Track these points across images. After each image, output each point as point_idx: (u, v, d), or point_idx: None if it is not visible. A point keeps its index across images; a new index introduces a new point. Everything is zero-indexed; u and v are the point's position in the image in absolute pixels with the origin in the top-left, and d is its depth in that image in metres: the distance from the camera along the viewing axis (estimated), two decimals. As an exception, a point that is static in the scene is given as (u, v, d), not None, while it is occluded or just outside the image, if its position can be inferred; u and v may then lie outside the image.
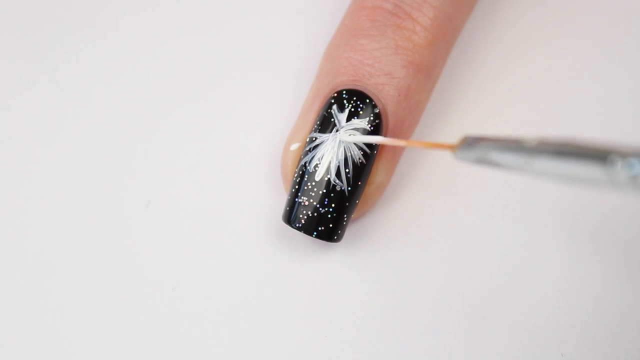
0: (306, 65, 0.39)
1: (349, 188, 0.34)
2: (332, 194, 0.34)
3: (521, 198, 0.37)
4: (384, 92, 0.35)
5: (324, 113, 0.35)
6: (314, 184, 0.34)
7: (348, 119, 0.34)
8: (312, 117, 0.35)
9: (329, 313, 0.36)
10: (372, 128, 0.34)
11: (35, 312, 0.36)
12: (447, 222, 0.37)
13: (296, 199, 0.34)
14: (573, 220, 0.37)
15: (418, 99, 0.36)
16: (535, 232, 0.37)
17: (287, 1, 0.41)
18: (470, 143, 0.28)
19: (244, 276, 0.36)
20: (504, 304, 0.36)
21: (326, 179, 0.34)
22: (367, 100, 0.34)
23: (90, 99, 0.39)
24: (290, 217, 0.34)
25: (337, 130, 0.34)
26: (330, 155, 0.34)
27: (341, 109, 0.35)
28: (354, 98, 0.35)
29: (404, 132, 0.36)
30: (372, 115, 0.34)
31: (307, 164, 0.34)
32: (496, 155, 0.27)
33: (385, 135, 0.35)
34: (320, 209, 0.34)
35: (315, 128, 0.35)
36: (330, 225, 0.34)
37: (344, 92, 0.35)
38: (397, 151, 0.36)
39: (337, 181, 0.34)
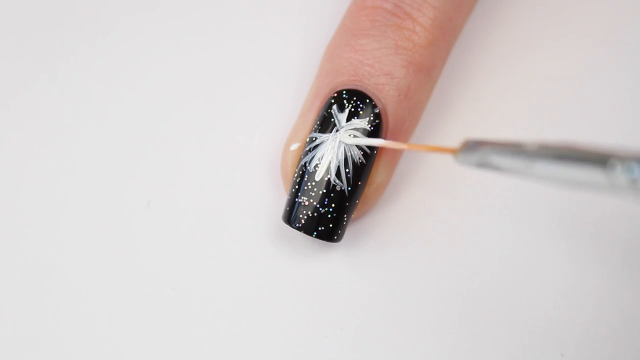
0: (306, 65, 0.39)
1: (349, 188, 0.34)
2: (332, 194, 0.34)
3: (521, 198, 0.37)
4: (384, 92, 0.35)
5: (324, 113, 0.35)
6: (314, 184, 0.34)
7: (348, 119, 0.34)
8: (312, 117, 0.35)
9: (329, 313, 0.36)
10: (372, 128, 0.34)
11: (35, 312, 0.36)
12: (447, 222, 0.37)
13: (296, 199, 0.34)
14: (573, 221, 0.37)
15: (418, 99, 0.36)
16: (535, 232, 0.37)
17: (287, 1, 0.41)
18: (471, 147, 0.28)
19: (244, 276, 0.36)
20: (504, 304, 0.36)
21: (326, 179, 0.34)
22: (367, 100, 0.34)
23: (90, 99, 0.39)
24: (290, 217, 0.34)
25: (337, 130, 0.34)
26: (330, 155, 0.34)
27: (341, 109, 0.35)
28: (354, 98, 0.35)
29: (404, 132, 0.36)
30: (372, 115, 0.34)
31: (307, 164, 0.34)
32: (497, 159, 0.27)
33: (385, 135, 0.35)
34: (320, 209, 0.34)
35: (315, 128, 0.35)
36: (330, 225, 0.34)
37: (344, 92, 0.35)
38: (397, 151, 0.36)
39: (337, 181, 0.34)
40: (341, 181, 0.34)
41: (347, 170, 0.34)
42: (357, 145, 0.34)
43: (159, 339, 0.35)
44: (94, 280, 0.36)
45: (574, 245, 0.37)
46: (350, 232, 0.37)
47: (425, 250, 0.37)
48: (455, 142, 0.38)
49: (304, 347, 0.35)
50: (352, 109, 0.34)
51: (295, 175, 0.35)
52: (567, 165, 0.25)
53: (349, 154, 0.34)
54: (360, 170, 0.34)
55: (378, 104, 0.35)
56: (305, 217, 0.34)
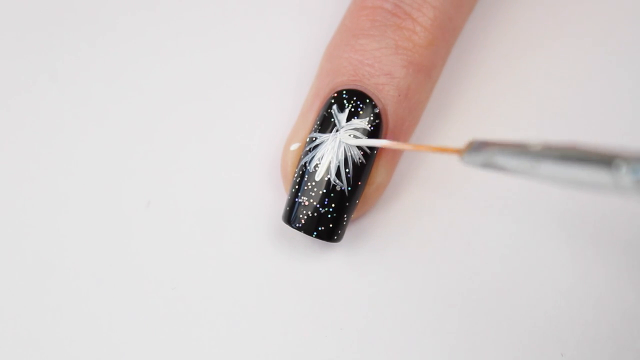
0: (306, 65, 0.39)
1: (349, 188, 0.34)
2: (332, 194, 0.34)
3: (521, 198, 0.37)
4: (384, 92, 0.35)
5: (324, 113, 0.35)
6: (314, 184, 0.34)
7: (348, 119, 0.34)
8: (312, 117, 0.35)
9: (328, 313, 0.36)
10: (372, 128, 0.34)
11: (35, 312, 0.36)
12: (447, 222, 0.37)
13: (296, 199, 0.34)
14: (573, 220, 0.37)
15: (418, 99, 0.36)
16: (535, 232, 0.37)
17: (288, 1, 0.41)
18: (476, 147, 0.28)
19: (244, 276, 0.36)
20: (504, 303, 0.36)
21: (326, 179, 0.34)
22: (367, 100, 0.34)
23: (90, 99, 0.39)
24: (290, 217, 0.34)
25: (337, 130, 0.34)
26: (330, 155, 0.34)
27: (341, 109, 0.35)
28: (354, 98, 0.35)
29: (404, 132, 0.36)
30: (372, 115, 0.34)
31: (307, 164, 0.34)
32: (502, 160, 0.27)
33: (385, 135, 0.35)
34: (320, 209, 0.34)
35: (315, 128, 0.35)
36: (330, 225, 0.34)
37: (344, 92, 0.35)
38: (397, 151, 0.36)
39: (337, 181, 0.34)
40: (341, 181, 0.34)
41: (347, 170, 0.34)
42: (357, 145, 0.34)
43: (159, 339, 0.35)
44: (94, 280, 0.36)
45: (574, 245, 0.37)
46: (350, 232, 0.37)
47: (425, 250, 0.37)
48: (455, 142, 0.38)
49: (304, 347, 0.35)
50: (352, 109, 0.34)
51: (295, 175, 0.35)
52: (572, 165, 0.25)
53: (349, 154, 0.34)
54: (360, 170, 0.34)
55: (378, 104, 0.35)
56: (305, 217, 0.34)
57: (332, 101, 0.35)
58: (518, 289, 0.36)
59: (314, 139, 0.35)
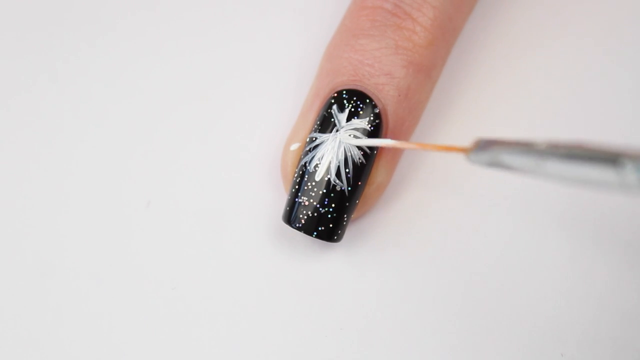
0: (306, 65, 0.39)
1: (349, 188, 0.34)
2: (332, 194, 0.34)
3: (521, 197, 0.37)
4: (384, 92, 0.35)
5: (324, 113, 0.35)
6: (314, 184, 0.34)
7: (348, 119, 0.34)
8: (312, 117, 0.35)
9: (328, 313, 0.36)
10: (372, 128, 0.34)
11: (35, 312, 0.36)
12: (447, 222, 0.37)
13: (296, 199, 0.34)
14: (573, 220, 0.37)
15: (418, 99, 0.36)
16: (536, 232, 0.37)
17: (288, 1, 0.41)
18: (482, 146, 0.28)
19: (244, 276, 0.36)
20: (504, 303, 0.36)
21: (326, 179, 0.34)
22: (367, 100, 0.34)
23: (90, 99, 0.39)
24: (290, 217, 0.34)
25: (337, 131, 0.34)
26: (331, 155, 0.34)
27: (341, 109, 0.35)
28: (354, 98, 0.35)
29: (404, 132, 0.36)
30: (372, 115, 0.34)
31: (307, 164, 0.34)
32: (508, 159, 0.27)
33: (385, 135, 0.35)
34: (320, 209, 0.34)
35: (315, 128, 0.35)
36: (330, 225, 0.34)
37: (344, 92, 0.35)
38: (397, 151, 0.36)
39: (337, 181, 0.34)
40: (341, 181, 0.34)
41: (347, 170, 0.34)
42: (357, 145, 0.34)
43: (159, 339, 0.35)
44: (94, 280, 0.36)
45: (574, 245, 0.37)
46: (350, 232, 0.37)
47: (425, 250, 0.37)
48: (455, 141, 0.38)
49: (304, 347, 0.35)
50: (352, 109, 0.34)
51: (295, 175, 0.35)
52: (577, 164, 0.25)
53: (349, 154, 0.34)
54: (361, 170, 0.34)
55: (378, 104, 0.35)
56: (305, 217, 0.34)
57: (332, 101, 0.35)
58: (518, 289, 0.36)
59: (314, 139, 0.35)
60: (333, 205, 0.34)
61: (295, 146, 0.35)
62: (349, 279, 0.36)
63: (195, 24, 0.41)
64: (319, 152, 0.34)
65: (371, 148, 0.34)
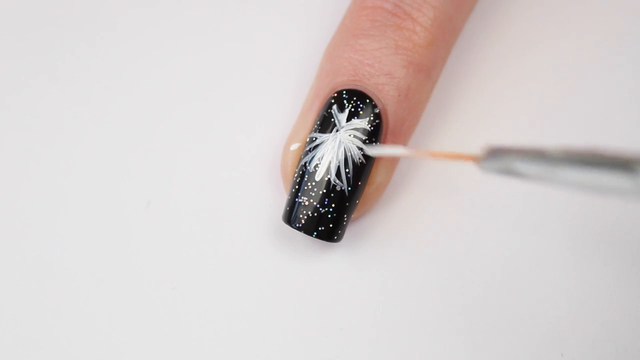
0: (306, 65, 0.39)
1: (349, 188, 0.34)
2: (332, 194, 0.34)
3: (521, 198, 0.37)
4: (384, 92, 0.35)
5: (324, 113, 0.35)
6: (314, 184, 0.34)
7: (348, 119, 0.34)
8: (312, 117, 0.35)
9: (328, 313, 0.36)
10: (372, 128, 0.34)
11: (35, 312, 0.36)
12: (447, 222, 0.37)
13: (296, 199, 0.34)
14: (573, 220, 0.37)
15: (418, 99, 0.36)
16: (536, 232, 0.37)
17: (287, 1, 0.41)
18: (494, 154, 0.28)
19: (244, 276, 0.36)
20: (504, 303, 0.36)
21: (326, 179, 0.34)
22: (367, 100, 0.34)
23: (90, 99, 0.39)
24: (290, 217, 0.34)
25: (337, 131, 0.34)
26: (331, 155, 0.34)
27: (341, 109, 0.35)
28: (354, 98, 0.35)
29: (404, 132, 0.36)
30: (372, 115, 0.34)
31: (307, 164, 0.34)
32: (521, 166, 0.27)
33: (385, 135, 0.35)
34: (321, 209, 0.34)
35: (316, 128, 0.35)
36: (330, 225, 0.34)
37: (344, 92, 0.35)
38: (397, 151, 0.36)
39: (337, 181, 0.34)
40: (341, 181, 0.34)
41: (347, 170, 0.34)
42: (357, 145, 0.34)
43: (159, 339, 0.35)
44: (93, 280, 0.36)
45: (574, 245, 0.37)
46: (350, 232, 0.37)
47: (425, 250, 0.37)
48: (455, 141, 0.38)
49: (304, 347, 0.35)
50: (352, 109, 0.34)
51: (295, 175, 0.35)
52: (592, 170, 0.25)
53: (349, 154, 0.34)
54: (361, 170, 0.34)
55: (378, 104, 0.35)
56: (305, 217, 0.34)
57: (332, 101, 0.35)
58: (518, 288, 0.36)
59: (314, 139, 0.35)
60: (333, 205, 0.34)
61: (295, 146, 0.35)
62: (349, 279, 0.36)
63: (195, 23, 0.41)
64: (319, 152, 0.34)
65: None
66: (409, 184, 0.38)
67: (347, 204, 0.34)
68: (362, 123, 0.34)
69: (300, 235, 0.36)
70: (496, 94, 0.39)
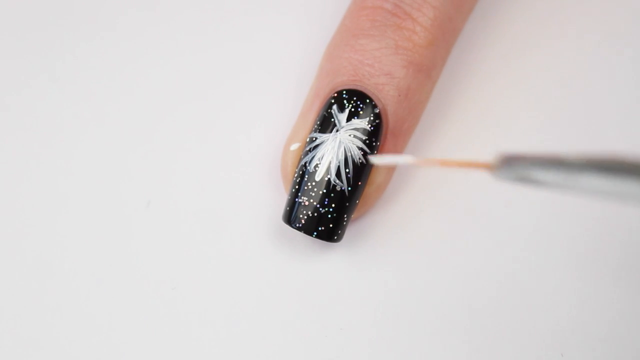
0: (306, 65, 0.39)
1: (349, 188, 0.34)
2: (332, 194, 0.34)
3: (521, 198, 0.37)
4: (384, 92, 0.35)
5: (324, 113, 0.35)
6: (314, 184, 0.34)
7: (348, 119, 0.34)
8: (312, 117, 0.35)
9: (328, 313, 0.36)
10: (372, 128, 0.34)
11: (35, 312, 0.36)
12: (447, 222, 0.37)
13: (296, 199, 0.34)
14: (573, 221, 0.37)
15: (418, 99, 0.36)
16: (536, 232, 0.37)
17: (287, 1, 0.41)
18: (509, 162, 0.27)
19: (244, 276, 0.36)
20: (504, 304, 0.36)
21: (326, 179, 0.34)
22: (367, 100, 0.34)
23: (90, 99, 0.39)
24: (290, 217, 0.34)
25: (337, 131, 0.34)
26: (331, 155, 0.34)
27: (341, 109, 0.35)
28: (354, 98, 0.35)
29: (404, 132, 0.36)
30: (372, 115, 0.34)
31: (307, 164, 0.34)
32: (539, 174, 0.26)
33: (385, 135, 0.35)
34: (321, 209, 0.34)
35: (316, 128, 0.35)
36: (330, 225, 0.34)
37: (344, 92, 0.35)
38: (397, 151, 0.36)
39: (337, 181, 0.34)
40: (341, 181, 0.34)
41: (347, 170, 0.34)
42: (357, 146, 0.34)
43: (159, 339, 0.35)
44: (94, 280, 0.36)
45: (574, 245, 0.37)
46: (350, 232, 0.37)
47: (425, 251, 0.37)
48: (455, 141, 0.38)
49: (304, 347, 0.35)
50: (352, 109, 0.34)
51: (295, 175, 0.35)
52: (613, 178, 0.24)
53: (349, 154, 0.34)
54: (361, 170, 0.34)
55: (378, 104, 0.35)
56: (306, 217, 0.34)
57: (332, 101, 0.35)
58: (518, 289, 0.36)
59: (314, 139, 0.35)
60: (333, 205, 0.34)
61: (295, 146, 0.35)
62: (349, 279, 0.36)
63: (195, 23, 0.41)
64: (319, 152, 0.34)
65: (371, 148, 0.34)
66: (409, 184, 0.38)
67: (347, 204, 0.34)
68: (362, 123, 0.34)
69: (300, 235, 0.36)
70: (496, 94, 0.39)
